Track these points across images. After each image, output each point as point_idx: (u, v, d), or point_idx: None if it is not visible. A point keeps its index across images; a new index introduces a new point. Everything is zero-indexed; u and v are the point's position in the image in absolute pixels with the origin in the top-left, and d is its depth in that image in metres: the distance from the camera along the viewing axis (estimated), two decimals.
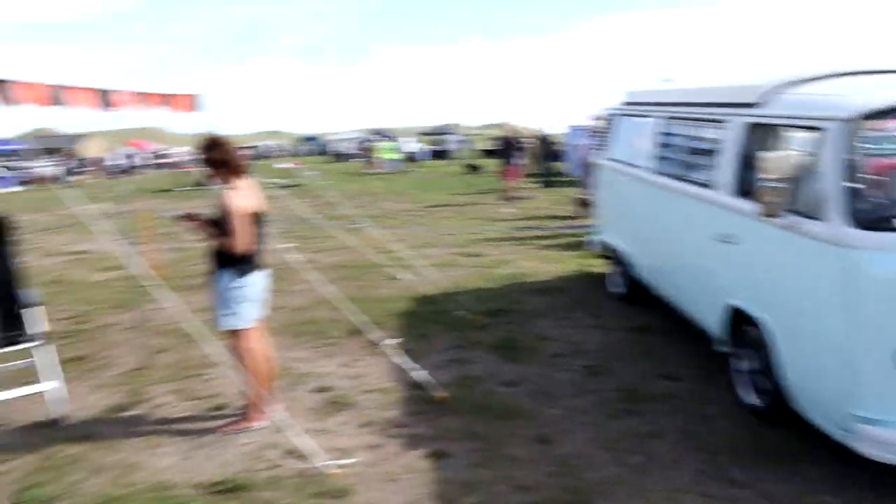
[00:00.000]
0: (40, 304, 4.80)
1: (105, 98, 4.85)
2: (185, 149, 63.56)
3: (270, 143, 61.30)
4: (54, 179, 33.05)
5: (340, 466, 3.87)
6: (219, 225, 4.13)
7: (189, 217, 4.32)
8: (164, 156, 46.96)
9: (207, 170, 4.29)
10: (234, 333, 4.27)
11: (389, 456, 4.05)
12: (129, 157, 43.93)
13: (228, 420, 4.53)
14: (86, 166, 37.78)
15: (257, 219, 4.21)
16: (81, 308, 7.61)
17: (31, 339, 4.65)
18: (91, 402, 4.98)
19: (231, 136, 4.49)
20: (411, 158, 33.14)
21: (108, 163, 40.81)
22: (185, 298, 7.94)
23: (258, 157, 46.55)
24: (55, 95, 4.48)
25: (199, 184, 25.07)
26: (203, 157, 4.23)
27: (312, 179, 25.38)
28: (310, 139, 55.97)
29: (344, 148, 44.13)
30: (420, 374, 5.07)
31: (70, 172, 35.77)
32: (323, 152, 48.81)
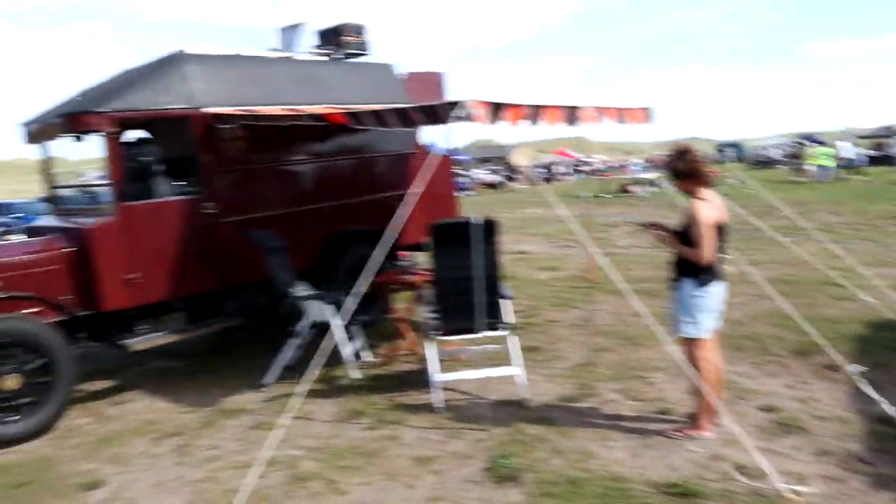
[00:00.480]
0: (511, 297, 5.50)
1: (572, 115, 5.29)
2: (602, 157, 66.13)
3: None
4: (493, 185, 37.12)
5: (796, 493, 3.69)
6: (685, 235, 4.26)
7: (655, 226, 4.53)
8: (584, 164, 49.63)
9: (653, 176, 4.44)
10: (691, 341, 4.37)
11: (853, 493, 3.75)
12: (553, 164, 47.23)
13: (676, 425, 4.64)
14: (516, 174, 41.65)
15: (720, 230, 4.24)
16: (530, 303, 8.44)
17: (504, 328, 5.36)
18: (546, 390, 5.53)
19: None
20: (848, 165, 29.54)
21: (535, 171, 44.42)
22: (621, 302, 8.34)
23: None
24: (532, 114, 5.03)
25: (623, 191, 25.89)
26: (670, 166, 4.39)
27: (736, 188, 24.34)
28: (730, 146, 53.59)
29: (768, 154, 41.30)
30: (889, 407, 4.56)
31: (508, 179, 39.86)
32: (741, 159, 46.32)
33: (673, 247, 4.39)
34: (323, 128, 6.63)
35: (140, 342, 5.87)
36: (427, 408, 5.24)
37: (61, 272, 5.75)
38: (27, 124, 6.47)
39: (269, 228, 6.38)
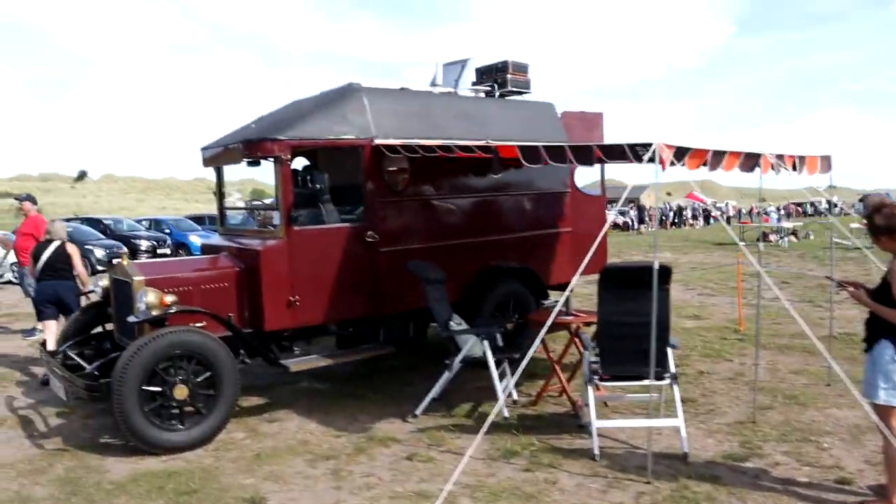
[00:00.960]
0: (677, 347, 5.26)
1: (751, 162, 5.07)
2: (732, 202, 63.58)
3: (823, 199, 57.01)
4: (622, 227, 36.45)
5: None
6: (885, 295, 3.93)
7: (851, 284, 4.23)
8: (717, 209, 47.85)
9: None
10: (886, 409, 3.99)
11: None
12: (681, 208, 45.81)
13: (859, 498, 4.25)
14: (645, 215, 40.71)
15: None
16: (679, 352, 8.05)
17: (667, 377, 5.12)
18: (707, 445, 5.22)
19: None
20: None
21: (663, 213, 43.24)
22: (777, 356, 7.86)
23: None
24: (713, 160, 4.84)
25: (762, 238, 24.68)
26: (869, 221, 4.09)
27: None
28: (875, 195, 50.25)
29: None
30: None
31: (639, 221, 39.04)
32: None
33: (871, 307, 4.05)
34: (482, 163, 6.68)
35: (298, 363, 6.02)
36: (583, 453, 5.07)
37: (229, 290, 6.02)
38: (206, 149, 6.87)
39: (424, 260, 6.43)
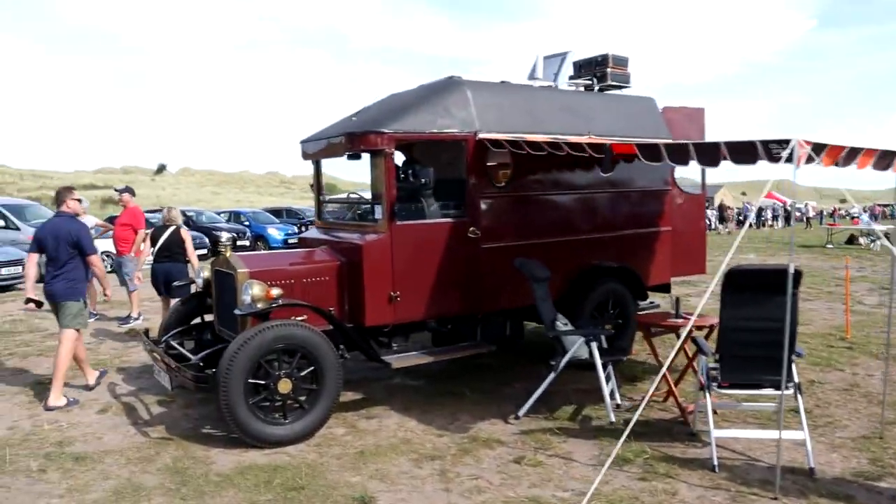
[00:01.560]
0: (803, 355, 4.96)
1: (885, 161, 4.75)
2: (812, 203, 61.14)
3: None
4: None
5: None
6: None
7: None
8: (797, 209, 46.13)
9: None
10: None
11: None
12: (761, 208, 44.33)
13: None
14: (725, 215, 39.56)
15: None
16: None
17: (792, 387, 4.81)
18: (832, 460, 4.91)
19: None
20: None
21: (742, 213, 41.93)
22: (893, 369, 7.37)
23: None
24: (847, 156, 4.54)
25: (851, 241, 23.66)
26: None
27: None
28: None
29: None
30: None
31: (720, 221, 37.99)
32: None
33: None
34: (583, 158, 6.46)
35: (399, 360, 5.94)
36: (700, 463, 4.83)
37: (329, 284, 5.98)
38: (306, 142, 6.85)
39: (525, 257, 6.26)
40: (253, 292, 5.34)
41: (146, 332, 6.69)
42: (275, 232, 22.79)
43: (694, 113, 8.16)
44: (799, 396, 4.84)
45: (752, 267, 4.84)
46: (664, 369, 5.78)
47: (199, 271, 6.57)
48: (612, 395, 5.96)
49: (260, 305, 5.34)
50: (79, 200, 6.63)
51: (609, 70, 7.61)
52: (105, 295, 7.21)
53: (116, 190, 10.03)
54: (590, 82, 7.57)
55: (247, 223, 23.76)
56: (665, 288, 8.08)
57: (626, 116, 7.41)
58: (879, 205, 53.91)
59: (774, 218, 43.03)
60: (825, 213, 52.53)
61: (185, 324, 6.60)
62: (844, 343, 8.55)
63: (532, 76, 7.55)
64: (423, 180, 5.93)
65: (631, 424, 4.25)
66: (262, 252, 6.81)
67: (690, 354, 5.91)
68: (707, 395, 4.89)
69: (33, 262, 6.53)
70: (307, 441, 5.33)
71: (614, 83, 7.65)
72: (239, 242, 20.89)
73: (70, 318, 6.31)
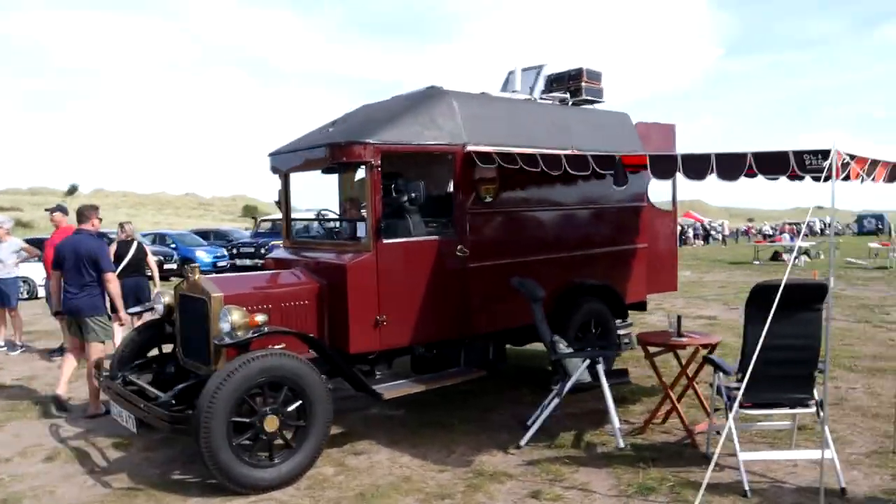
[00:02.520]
0: (824, 371, 4.79)
1: None
2: (726, 221, 63.54)
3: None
4: None
5: None
6: None
7: None
8: (713, 228, 47.81)
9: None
10: None
11: None
12: (682, 227, 45.69)
13: None
14: None
15: None
16: None
17: (812, 404, 4.64)
18: (855, 478, 4.75)
19: None
20: None
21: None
22: (869, 380, 7.37)
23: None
24: (868, 170, 4.43)
25: (775, 257, 24.47)
26: None
27: None
28: (874, 217, 51.04)
29: None
30: None
31: None
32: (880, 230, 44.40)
33: None
34: (566, 174, 6.23)
35: (390, 390, 5.48)
36: (727, 488, 4.57)
37: (309, 308, 5.49)
38: (276, 154, 6.34)
39: (510, 276, 5.94)
40: (233, 319, 4.79)
41: (97, 364, 5.99)
42: (203, 255, 21.73)
43: (665, 128, 8.07)
44: (821, 414, 4.65)
45: (778, 282, 4.63)
46: (668, 391, 5.61)
47: (158, 297, 5.93)
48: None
49: (240, 333, 4.79)
50: (100, 220, 6.86)
51: (584, 84, 7.42)
52: (120, 320, 6.78)
53: (48, 210, 9.17)
54: (566, 96, 7.35)
55: (173, 245, 22.60)
56: (641, 306, 7.91)
57: (604, 131, 7.22)
58: (788, 223, 56.42)
59: (696, 237, 44.33)
60: (739, 231, 54.61)
61: (141, 356, 5.94)
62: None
63: (506, 89, 7.29)
64: (412, 195, 5.50)
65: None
66: (231, 275, 6.17)
67: (690, 374, 5.68)
68: (730, 416, 4.64)
69: (56, 278, 6.65)
70: (296, 484, 4.80)
71: (588, 97, 7.46)
72: (166, 266, 19.76)
73: (98, 333, 6.44)
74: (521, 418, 6.13)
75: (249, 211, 78.87)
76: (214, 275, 5.69)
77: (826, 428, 4.62)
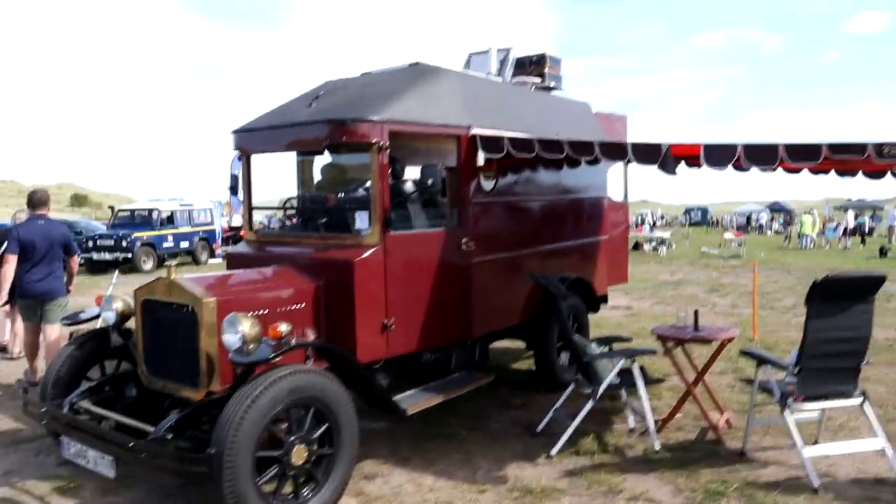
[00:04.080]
0: (870, 362, 4.77)
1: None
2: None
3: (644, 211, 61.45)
4: None
5: None
6: None
7: None
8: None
9: None
10: None
11: None
12: None
13: None
14: None
15: None
16: (737, 366, 7.60)
17: (859, 395, 4.59)
18: None
19: None
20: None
21: None
22: None
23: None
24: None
25: (636, 247, 25.55)
26: None
27: (752, 251, 24.46)
28: (698, 209, 56.25)
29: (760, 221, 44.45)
30: None
31: None
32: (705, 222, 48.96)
33: None
34: (556, 163, 5.91)
35: (411, 402, 4.81)
36: (788, 486, 4.40)
37: (306, 312, 4.70)
38: (243, 132, 5.40)
39: (506, 271, 5.52)
40: (244, 330, 3.92)
41: (25, 389, 4.81)
42: None
43: (620, 120, 7.94)
44: (867, 403, 4.60)
45: (846, 274, 4.51)
46: (691, 387, 5.40)
47: (109, 301, 4.85)
48: (629, 418, 5.42)
49: (251, 347, 3.94)
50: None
51: (547, 71, 7.09)
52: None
53: None
54: (537, 80, 6.97)
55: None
56: (604, 300, 7.71)
57: (573, 119, 6.93)
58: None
59: None
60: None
61: (81, 375, 4.85)
62: (761, 344, 8.57)
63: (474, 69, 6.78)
64: (429, 181, 4.83)
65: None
66: (208, 274, 5.12)
67: (700, 369, 5.51)
68: (788, 412, 4.48)
69: (13, 263, 6.40)
70: None
71: (551, 84, 7.14)
72: None
73: (60, 312, 6.43)
74: (522, 423, 5.71)
75: (79, 200, 72.11)
76: (191, 275, 4.68)
77: (874, 418, 4.61)
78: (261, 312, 4.34)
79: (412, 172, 5.81)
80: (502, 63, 6.82)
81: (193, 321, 4.17)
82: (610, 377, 4.97)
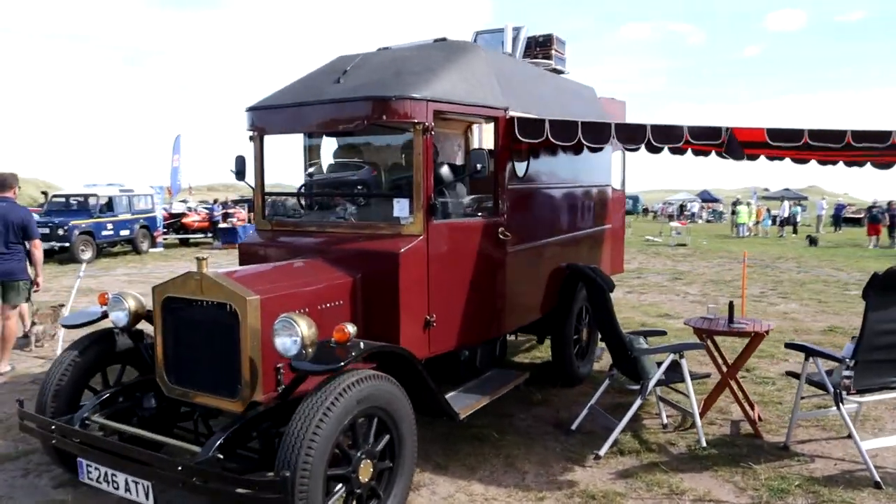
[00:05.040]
0: None
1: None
2: None
3: None
4: None
5: None
6: None
7: None
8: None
9: None
10: None
11: None
12: None
13: None
14: None
15: None
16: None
17: None
18: None
19: None
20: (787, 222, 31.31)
21: None
22: None
23: None
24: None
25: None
26: None
27: (695, 240, 25.05)
28: (631, 199, 58.19)
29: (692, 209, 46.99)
30: None
31: None
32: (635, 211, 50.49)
33: None
34: (575, 149, 5.68)
35: (462, 406, 4.50)
36: (846, 481, 4.33)
37: (343, 309, 4.31)
38: (260, 109, 4.89)
39: (531, 260, 5.30)
40: (303, 332, 3.51)
41: (20, 401, 4.23)
42: None
43: (620, 105, 7.78)
44: None
45: None
46: (728, 380, 5.28)
47: (118, 300, 4.31)
48: (659, 414, 5.30)
49: (310, 352, 3.54)
50: (20, 187, 7.04)
51: (553, 52, 6.83)
52: (36, 284, 7.01)
53: None
54: (549, 62, 6.70)
55: None
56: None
57: (584, 103, 6.72)
58: None
59: None
60: None
61: (84, 384, 4.32)
62: None
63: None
64: (478, 166, 4.46)
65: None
66: (240, 268, 4.56)
67: (731, 363, 5.40)
68: (842, 406, 4.41)
69: None
70: None
71: (557, 67, 6.89)
72: None
73: (23, 293, 6.79)
74: (549, 420, 5.49)
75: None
76: (224, 269, 4.19)
77: None
78: (302, 310, 3.92)
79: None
80: (514, 42, 6.51)
81: (233, 322, 3.72)
82: (659, 372, 4.79)
